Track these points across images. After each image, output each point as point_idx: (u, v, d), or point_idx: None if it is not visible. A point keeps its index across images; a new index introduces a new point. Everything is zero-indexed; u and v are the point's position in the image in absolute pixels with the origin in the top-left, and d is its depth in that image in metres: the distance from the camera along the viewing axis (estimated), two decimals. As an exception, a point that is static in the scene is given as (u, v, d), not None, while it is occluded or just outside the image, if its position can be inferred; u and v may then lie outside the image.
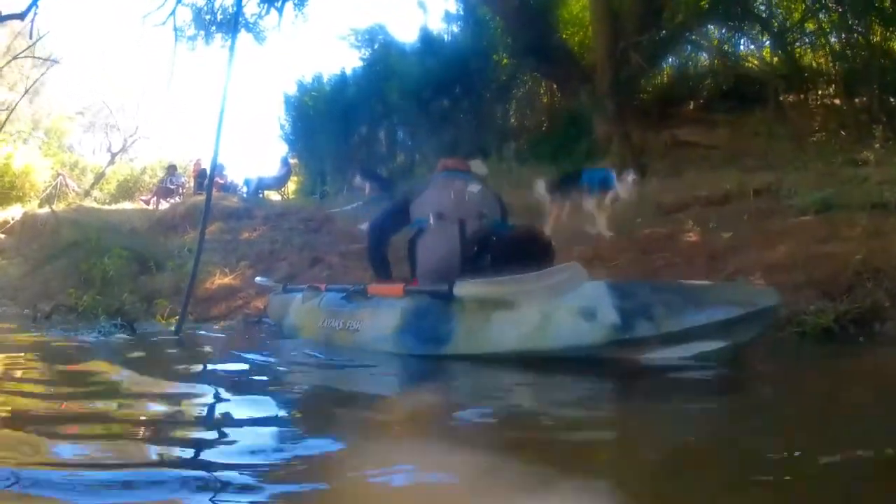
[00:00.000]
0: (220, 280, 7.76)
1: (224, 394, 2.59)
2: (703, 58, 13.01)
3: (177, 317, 6.52)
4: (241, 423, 2.14)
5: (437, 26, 15.61)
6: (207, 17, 13.70)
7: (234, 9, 12.21)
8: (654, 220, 7.40)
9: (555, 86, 14.01)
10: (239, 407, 2.42)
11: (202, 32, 13.88)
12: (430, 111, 13.75)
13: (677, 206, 7.68)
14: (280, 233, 9.93)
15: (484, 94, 14.04)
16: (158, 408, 2.39)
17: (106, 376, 3.08)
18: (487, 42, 13.98)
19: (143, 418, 2.21)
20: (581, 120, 11.87)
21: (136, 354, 4.08)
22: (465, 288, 3.39)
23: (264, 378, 3.29)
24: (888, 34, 10.81)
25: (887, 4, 10.61)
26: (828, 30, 11.64)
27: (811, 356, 3.71)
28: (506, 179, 9.30)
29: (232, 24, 10.22)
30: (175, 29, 13.39)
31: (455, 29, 15.05)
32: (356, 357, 3.72)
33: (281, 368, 3.76)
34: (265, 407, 2.40)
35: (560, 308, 3.08)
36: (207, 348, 4.79)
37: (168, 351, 4.54)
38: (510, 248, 3.77)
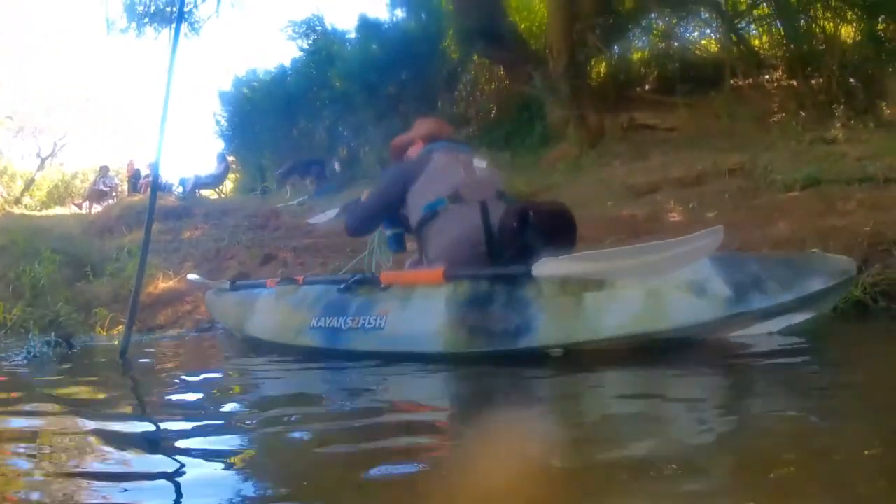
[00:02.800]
0: (164, 284, 7.09)
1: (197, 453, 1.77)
2: (658, 41, 12.81)
3: (119, 326, 5.92)
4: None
5: (382, 12, 15.16)
6: (140, 7, 12.93)
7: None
8: (625, 201, 7.14)
9: (502, 70, 13.65)
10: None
11: (134, 24, 13.11)
12: (376, 98, 13.23)
13: (648, 188, 7.43)
14: (224, 231, 9.29)
15: (432, 79, 13.55)
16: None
17: (30, 430, 2.11)
18: (435, 26, 13.52)
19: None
20: (533, 104, 11.55)
21: (72, 388, 3.09)
22: (551, 266, 2.82)
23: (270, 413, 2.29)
24: (838, 21, 10.84)
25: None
26: (775, 16, 11.67)
27: (868, 332, 3.38)
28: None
29: (178, 9, 9.48)
30: (106, 21, 12.67)
31: (400, 13, 14.55)
32: (371, 365, 3.06)
33: (275, 394, 2.86)
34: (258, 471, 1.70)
35: (667, 284, 2.64)
36: (163, 372, 3.75)
37: (113, 378, 3.54)
38: (549, 226, 3.14)
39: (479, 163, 3.58)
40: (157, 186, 4.72)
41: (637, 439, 1.58)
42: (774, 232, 4.73)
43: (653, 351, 2.68)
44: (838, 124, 8.51)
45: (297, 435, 1.91)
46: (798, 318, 2.69)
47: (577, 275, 2.76)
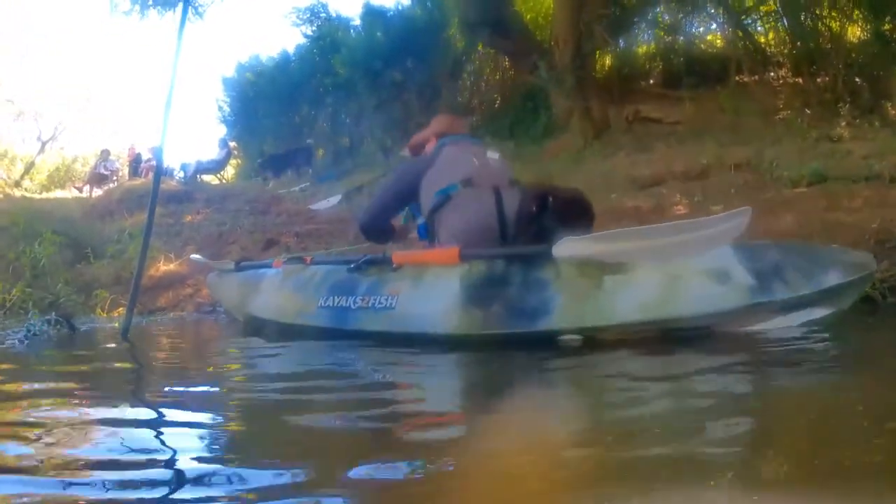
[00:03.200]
0: (166, 267, 7.06)
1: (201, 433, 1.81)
2: (664, 35, 12.76)
3: (119, 309, 5.89)
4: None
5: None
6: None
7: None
8: (629, 193, 7.10)
9: (507, 60, 13.59)
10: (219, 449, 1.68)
11: (137, 6, 12.98)
12: (379, 85, 13.16)
13: (652, 180, 7.39)
14: (226, 215, 9.29)
15: (436, 68, 13.48)
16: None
17: (31, 403, 2.13)
18: (440, 14, 13.44)
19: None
20: (538, 95, 11.51)
21: (75, 366, 3.05)
22: (571, 246, 2.76)
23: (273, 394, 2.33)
24: (844, 20, 10.81)
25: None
26: (781, 14, 11.65)
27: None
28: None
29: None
30: (111, 1, 12.52)
31: (406, 1, 14.48)
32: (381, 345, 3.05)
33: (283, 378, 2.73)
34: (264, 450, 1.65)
35: (688, 270, 2.60)
36: (164, 354, 3.84)
37: (114, 359, 3.43)
38: (567, 211, 3.10)
39: (492, 154, 3.56)
40: (161, 170, 4.72)
41: (653, 431, 1.56)
42: (781, 226, 4.70)
43: (669, 341, 2.62)
44: (843, 123, 8.50)
45: (300, 420, 1.87)
46: (817, 312, 2.63)
47: (598, 255, 2.72)
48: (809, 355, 2.42)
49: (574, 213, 3.10)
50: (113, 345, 3.87)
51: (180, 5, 12.12)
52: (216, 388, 2.51)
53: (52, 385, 2.46)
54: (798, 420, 1.61)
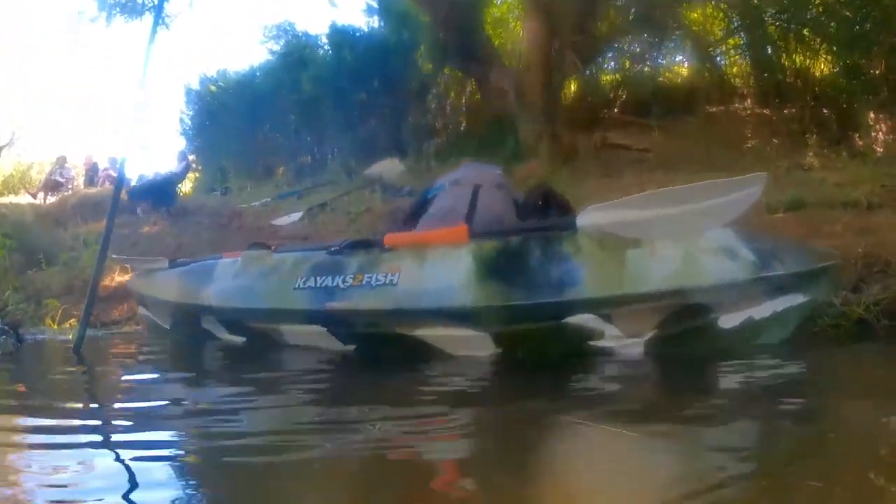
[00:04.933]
0: (121, 277, 6.72)
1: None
2: (633, 64, 12.88)
3: (71, 320, 5.55)
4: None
5: (356, 19, 14.99)
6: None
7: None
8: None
9: (474, 84, 13.56)
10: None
11: (104, 14, 12.72)
12: (346, 104, 13.00)
13: (625, 206, 7.33)
14: (183, 227, 8.97)
15: (404, 89, 13.37)
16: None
17: None
18: (408, 36, 13.36)
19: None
20: (505, 119, 11.43)
21: (19, 385, 2.80)
22: (596, 215, 2.84)
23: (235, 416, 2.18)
24: (810, 54, 11.01)
25: (806, 32, 10.84)
26: (748, 47, 11.86)
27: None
28: (425, 178, 8.77)
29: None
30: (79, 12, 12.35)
31: (374, 23, 14.39)
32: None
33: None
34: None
35: (700, 246, 2.74)
36: (117, 370, 3.59)
37: (64, 375, 3.29)
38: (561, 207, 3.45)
39: (495, 170, 3.95)
40: (122, 181, 4.50)
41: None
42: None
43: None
44: (811, 153, 8.62)
45: (250, 443, 1.80)
46: (799, 299, 2.83)
47: (621, 226, 2.78)
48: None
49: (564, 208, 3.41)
50: (61, 358, 3.60)
51: (147, 14, 11.98)
52: (168, 410, 2.29)
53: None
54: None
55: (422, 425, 1.95)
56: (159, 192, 10.38)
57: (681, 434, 1.87)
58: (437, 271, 3.00)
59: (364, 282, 3.09)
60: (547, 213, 3.32)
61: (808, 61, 10.95)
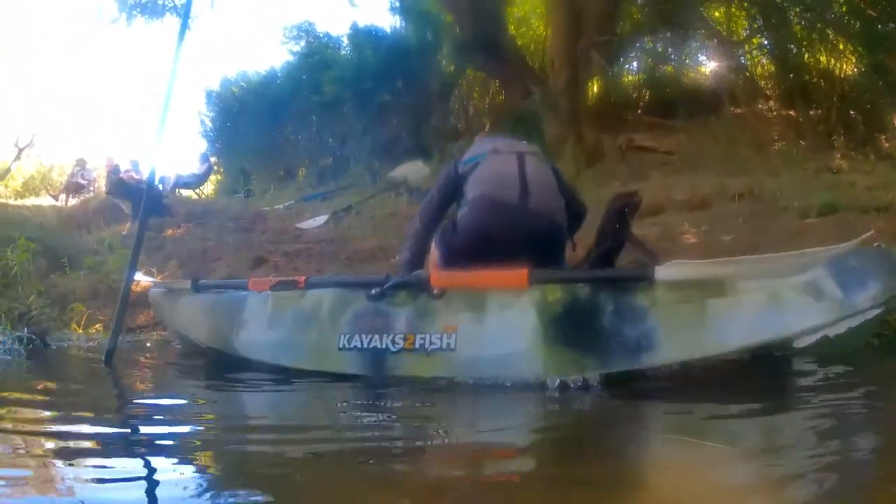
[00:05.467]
0: (147, 283, 6.74)
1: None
2: (657, 65, 12.76)
3: (97, 325, 5.47)
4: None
5: (379, 19, 14.96)
6: (131, -1, 12.64)
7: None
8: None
9: (497, 84, 13.50)
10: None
11: (124, 14, 12.81)
12: (368, 105, 12.98)
13: (652, 209, 7.23)
14: (208, 231, 8.96)
15: (426, 90, 13.34)
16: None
17: None
18: (432, 36, 13.33)
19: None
20: (529, 120, 11.36)
21: (47, 396, 2.59)
22: (677, 270, 2.49)
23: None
24: (836, 54, 10.86)
25: (829, 32, 10.69)
26: (773, 47, 11.72)
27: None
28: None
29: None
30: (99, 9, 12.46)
31: (396, 23, 14.37)
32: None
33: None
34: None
35: (785, 286, 2.40)
36: (147, 381, 3.39)
37: (93, 385, 3.09)
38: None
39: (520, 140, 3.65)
40: (153, 184, 4.35)
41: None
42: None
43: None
44: (838, 155, 8.49)
45: (291, 458, 1.73)
46: (876, 312, 2.48)
47: (703, 277, 2.48)
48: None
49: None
50: (87, 367, 3.49)
51: (168, 15, 11.99)
52: (206, 430, 2.23)
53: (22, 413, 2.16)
54: None
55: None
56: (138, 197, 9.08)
57: (772, 445, 1.77)
58: (498, 332, 2.64)
59: (417, 345, 2.74)
60: (620, 237, 3.01)
61: (832, 62, 10.79)
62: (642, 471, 1.57)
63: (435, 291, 2.85)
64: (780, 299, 2.39)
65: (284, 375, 2.99)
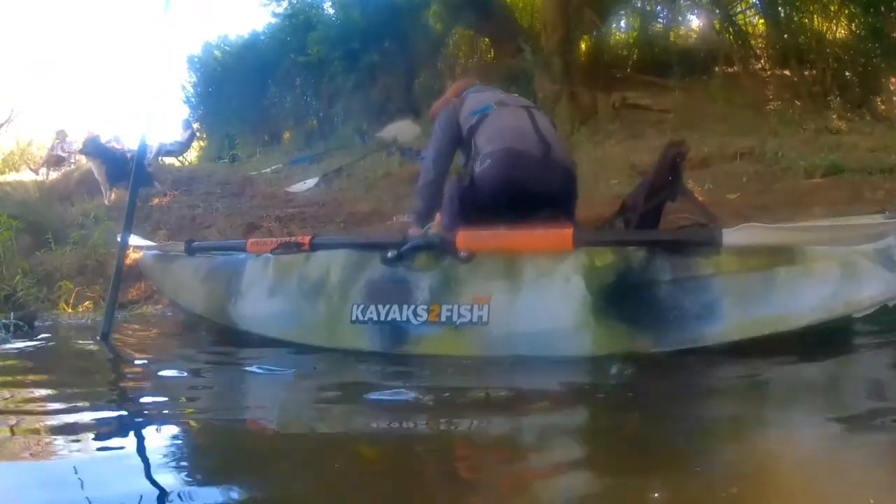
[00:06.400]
0: (136, 254, 6.53)
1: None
2: (651, 22, 12.54)
3: (86, 302, 5.31)
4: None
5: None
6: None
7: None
8: (631, 180, 6.84)
9: (487, 42, 13.26)
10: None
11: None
12: (356, 66, 12.72)
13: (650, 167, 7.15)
14: (196, 198, 8.75)
15: (414, 49, 13.06)
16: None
17: None
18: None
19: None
20: (521, 78, 11.17)
21: (41, 390, 2.22)
22: (747, 234, 2.15)
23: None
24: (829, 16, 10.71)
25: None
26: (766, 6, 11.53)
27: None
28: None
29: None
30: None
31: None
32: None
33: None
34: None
35: (859, 254, 2.11)
36: (143, 359, 2.94)
37: (90, 369, 2.72)
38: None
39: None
40: (144, 155, 4.03)
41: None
42: (810, 217, 4.47)
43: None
44: (834, 116, 8.43)
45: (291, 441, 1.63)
46: None
47: (773, 243, 2.17)
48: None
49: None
50: (80, 349, 3.16)
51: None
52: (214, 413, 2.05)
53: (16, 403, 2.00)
54: None
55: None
56: (112, 161, 9.09)
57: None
58: (538, 302, 2.28)
59: (443, 317, 2.37)
60: (673, 191, 2.58)
61: (824, 25, 10.65)
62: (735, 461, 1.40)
63: (462, 254, 2.46)
64: (855, 268, 2.11)
65: (292, 349, 2.72)
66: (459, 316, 2.35)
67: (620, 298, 2.21)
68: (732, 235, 2.15)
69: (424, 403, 1.85)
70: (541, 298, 2.28)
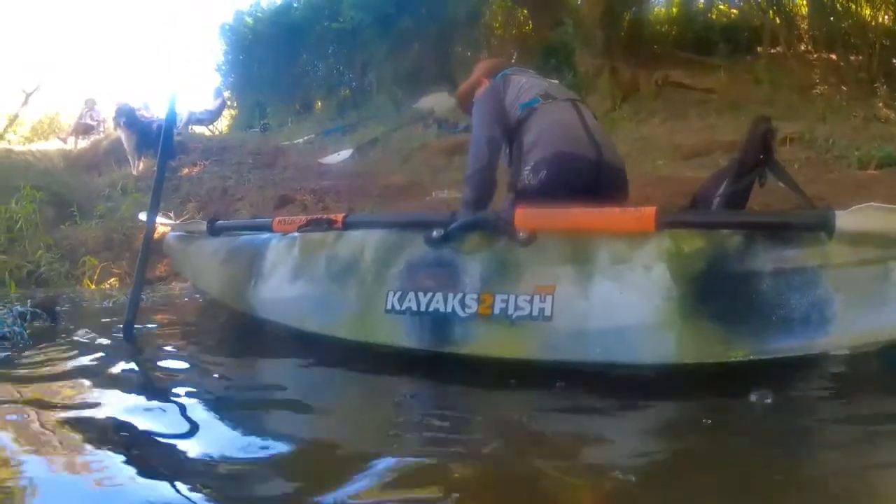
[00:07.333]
0: (165, 228, 6.36)
1: None
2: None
3: (112, 279, 5.20)
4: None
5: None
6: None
7: None
8: (675, 162, 6.68)
9: (525, 14, 12.99)
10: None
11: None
12: (391, 33, 12.50)
13: (696, 150, 6.97)
14: (227, 168, 8.66)
15: (451, 17, 12.78)
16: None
17: None
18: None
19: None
20: (560, 52, 10.95)
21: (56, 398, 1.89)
22: (866, 218, 1.66)
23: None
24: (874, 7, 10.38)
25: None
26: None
27: None
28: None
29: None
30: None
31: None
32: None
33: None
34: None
35: None
36: (172, 348, 2.67)
37: (114, 370, 2.21)
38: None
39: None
40: (173, 124, 3.73)
41: None
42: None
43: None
44: (880, 104, 8.20)
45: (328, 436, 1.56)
46: None
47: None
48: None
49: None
50: (103, 341, 2.68)
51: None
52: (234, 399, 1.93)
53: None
54: None
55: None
56: (148, 138, 8.77)
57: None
58: (613, 295, 1.85)
59: (496, 309, 1.96)
60: (765, 169, 2.08)
61: (870, 11, 10.34)
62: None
63: (521, 235, 2.05)
64: None
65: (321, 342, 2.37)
66: (517, 308, 1.93)
67: (713, 293, 1.78)
68: (849, 218, 1.68)
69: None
70: (616, 290, 1.85)
